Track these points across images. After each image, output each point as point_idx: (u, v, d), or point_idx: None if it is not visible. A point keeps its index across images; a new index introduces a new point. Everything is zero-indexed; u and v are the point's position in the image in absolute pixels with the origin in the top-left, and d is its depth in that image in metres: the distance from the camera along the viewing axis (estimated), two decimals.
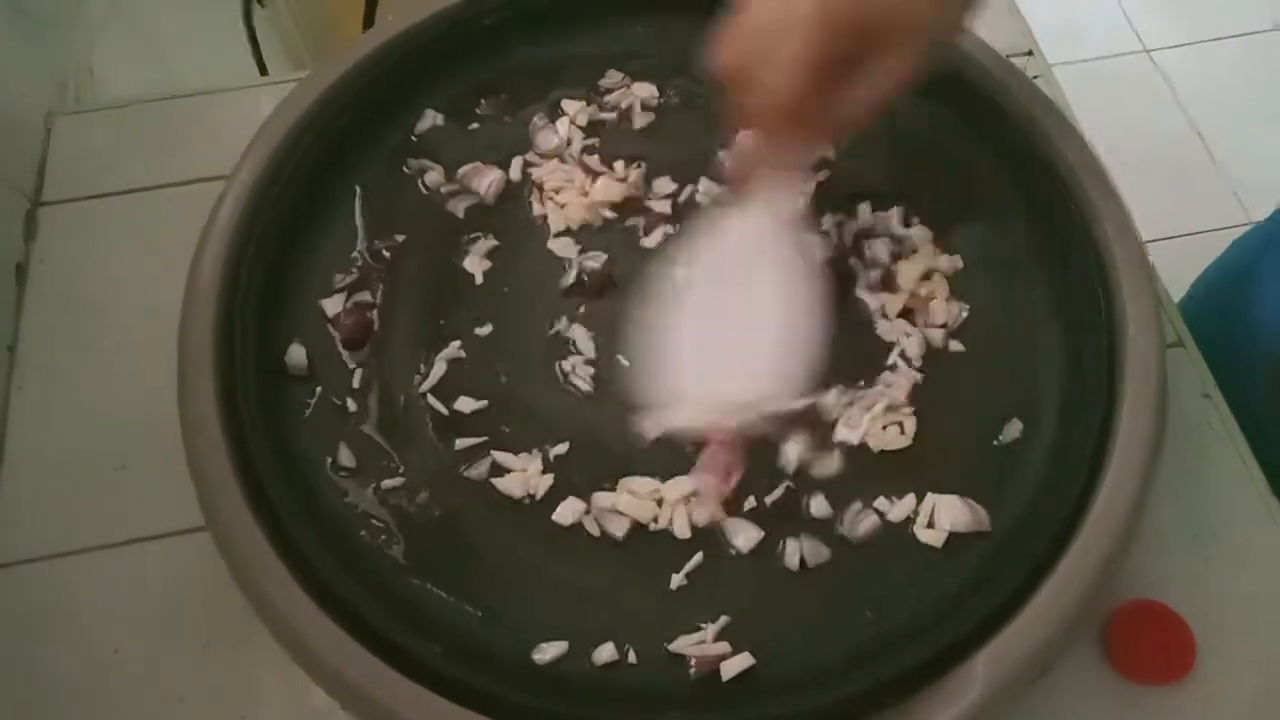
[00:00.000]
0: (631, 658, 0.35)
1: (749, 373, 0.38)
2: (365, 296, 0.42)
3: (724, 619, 0.35)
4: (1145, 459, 0.36)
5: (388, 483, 0.38)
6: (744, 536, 0.37)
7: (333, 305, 0.42)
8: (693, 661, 0.34)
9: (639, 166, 0.45)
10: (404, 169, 0.45)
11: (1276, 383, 0.49)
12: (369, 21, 0.80)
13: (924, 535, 0.37)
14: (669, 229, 0.44)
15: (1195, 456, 0.42)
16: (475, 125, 0.47)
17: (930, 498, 0.37)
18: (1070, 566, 0.34)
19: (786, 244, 0.39)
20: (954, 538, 0.37)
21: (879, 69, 0.35)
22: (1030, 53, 0.54)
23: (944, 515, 0.37)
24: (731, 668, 0.34)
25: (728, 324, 0.39)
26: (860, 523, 0.37)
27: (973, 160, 0.46)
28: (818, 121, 0.36)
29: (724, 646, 0.35)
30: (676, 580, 0.36)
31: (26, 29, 0.53)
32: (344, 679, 0.32)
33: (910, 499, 0.37)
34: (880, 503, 0.38)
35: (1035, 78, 0.51)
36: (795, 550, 0.37)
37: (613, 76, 0.48)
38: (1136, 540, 0.35)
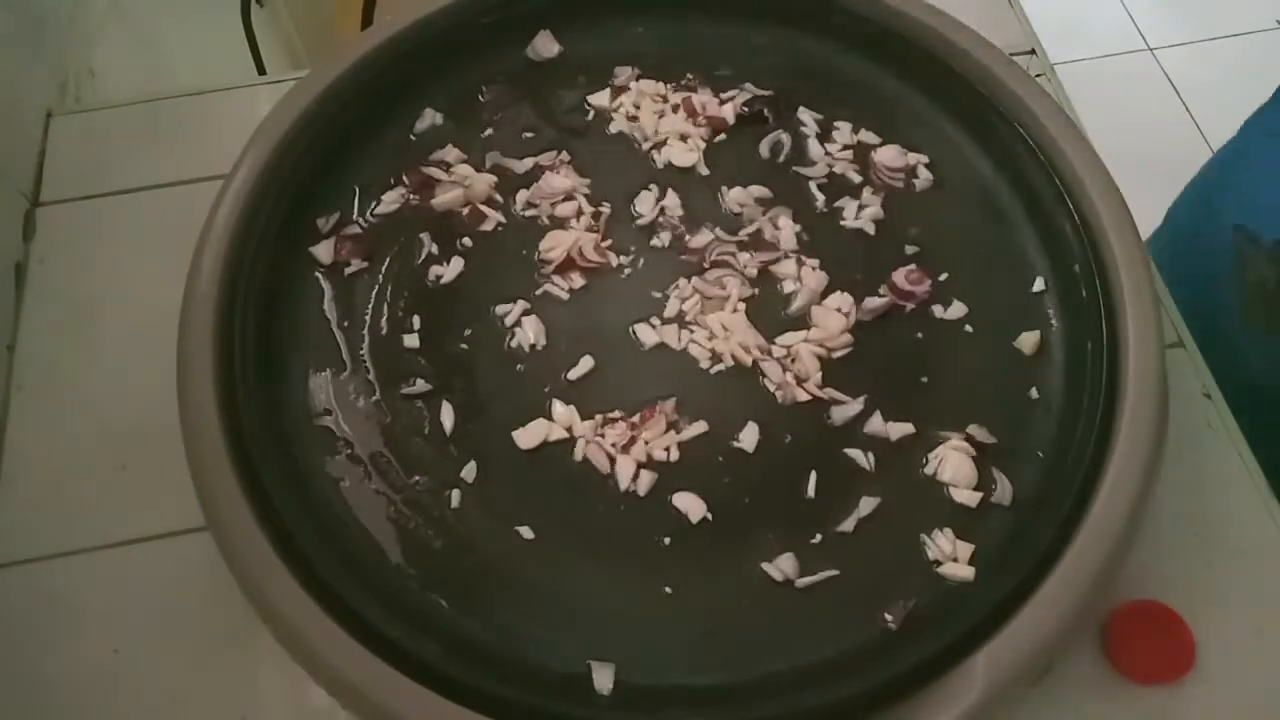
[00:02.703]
0: None
1: None
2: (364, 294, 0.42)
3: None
4: (1145, 459, 0.35)
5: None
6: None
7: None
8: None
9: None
10: (403, 169, 0.45)
11: (1239, 247, 0.49)
12: (368, 20, 0.80)
13: (950, 570, 0.36)
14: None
15: (1195, 456, 0.42)
16: (475, 124, 0.47)
17: (940, 450, 0.38)
18: (1070, 566, 0.34)
19: None
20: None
21: None
22: (1033, 51, 0.54)
23: (949, 469, 0.38)
24: None
25: None
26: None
27: (973, 159, 0.46)
28: None
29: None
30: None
31: (26, 29, 0.53)
32: (344, 678, 0.32)
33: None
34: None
35: (1038, 76, 0.50)
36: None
37: (622, 74, 0.48)
38: (1136, 540, 0.35)
